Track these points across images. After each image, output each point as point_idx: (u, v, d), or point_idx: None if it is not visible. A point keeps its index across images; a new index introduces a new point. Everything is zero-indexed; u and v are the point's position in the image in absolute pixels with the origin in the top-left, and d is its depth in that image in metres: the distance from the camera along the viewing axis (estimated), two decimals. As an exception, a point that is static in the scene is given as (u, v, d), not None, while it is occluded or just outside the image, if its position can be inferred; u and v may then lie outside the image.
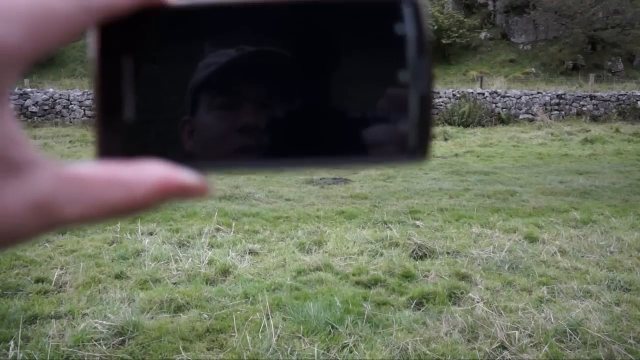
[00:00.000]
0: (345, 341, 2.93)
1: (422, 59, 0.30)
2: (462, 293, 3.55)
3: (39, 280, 3.69)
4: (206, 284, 3.70)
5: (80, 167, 0.26)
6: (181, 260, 4.07)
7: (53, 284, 3.62)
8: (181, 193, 0.27)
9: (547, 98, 16.14)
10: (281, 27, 0.30)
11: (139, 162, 0.27)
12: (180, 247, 4.42)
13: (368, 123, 0.31)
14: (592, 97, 16.12)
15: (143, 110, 0.30)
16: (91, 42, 0.29)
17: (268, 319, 3.10)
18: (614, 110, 15.77)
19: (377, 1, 0.31)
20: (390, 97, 0.31)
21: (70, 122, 14.72)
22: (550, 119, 15.61)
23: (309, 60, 0.31)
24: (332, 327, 3.07)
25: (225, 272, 3.91)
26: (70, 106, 15.08)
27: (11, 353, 2.68)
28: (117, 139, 0.30)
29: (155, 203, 0.27)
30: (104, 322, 3.01)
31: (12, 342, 2.76)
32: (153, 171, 0.27)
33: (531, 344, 2.91)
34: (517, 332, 2.99)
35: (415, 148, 0.31)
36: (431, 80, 0.31)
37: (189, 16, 0.30)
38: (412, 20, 0.30)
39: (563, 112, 16.05)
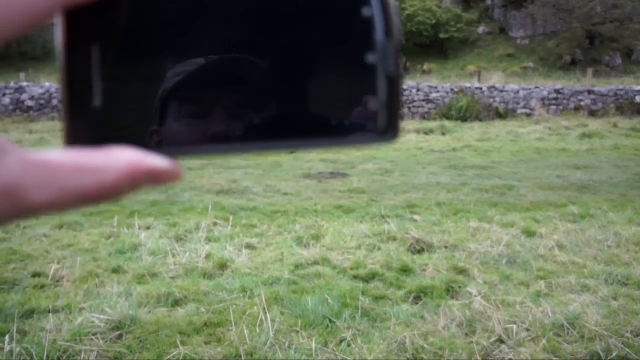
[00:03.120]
0: (343, 335, 2.93)
1: (389, 40, 0.31)
2: (459, 287, 3.55)
3: (35, 275, 3.68)
4: (203, 278, 3.69)
5: (48, 153, 0.25)
6: (178, 254, 4.06)
7: (50, 278, 3.61)
8: (152, 178, 0.27)
9: (545, 92, 16.14)
10: (246, 14, 0.30)
11: (107, 148, 0.27)
12: (177, 241, 4.41)
13: (338, 105, 0.31)
14: (590, 92, 16.13)
15: (111, 97, 0.30)
16: (57, 27, 0.28)
17: (265, 312, 3.10)
18: (611, 105, 15.78)
19: None
20: (359, 79, 0.31)
21: (67, 116, 14.65)
22: (548, 113, 15.61)
23: (276, 46, 0.31)
24: (330, 321, 3.06)
25: (222, 266, 3.90)
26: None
27: (7, 347, 2.67)
28: (86, 127, 0.30)
29: (126, 189, 0.26)
30: (101, 316, 3.00)
31: (7, 337, 2.75)
32: (122, 156, 0.26)
33: (529, 338, 2.92)
34: (514, 326, 2.99)
35: (385, 128, 0.31)
36: (399, 61, 0.31)
37: (158, 2, 0.30)
38: (378, 2, 0.31)
39: (561, 107, 16.06)
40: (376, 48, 0.31)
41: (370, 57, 0.31)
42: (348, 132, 0.31)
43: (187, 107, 0.31)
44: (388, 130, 0.31)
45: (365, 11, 0.31)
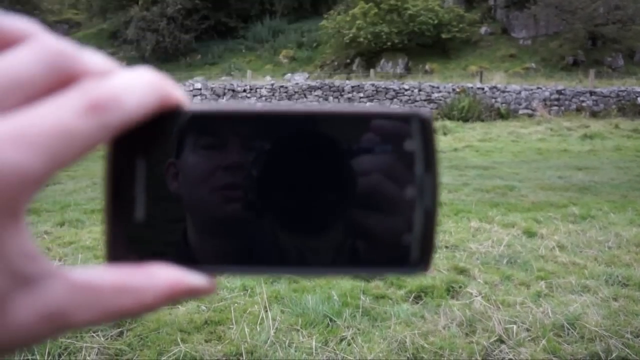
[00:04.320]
0: (344, 334, 2.93)
1: (429, 174, 0.31)
2: (460, 287, 3.56)
3: (37, 272, 3.68)
4: (204, 276, 3.70)
5: (92, 274, 0.26)
6: (180, 253, 4.06)
7: (51, 275, 3.62)
8: (189, 295, 0.29)
9: (547, 93, 16.13)
10: (292, 138, 0.31)
11: (148, 267, 0.28)
12: (178, 239, 4.41)
13: (372, 235, 0.31)
14: (592, 93, 16.11)
15: (153, 211, 0.30)
16: (104, 146, 0.29)
17: (266, 311, 3.11)
18: (613, 106, 15.77)
19: (388, 115, 0.31)
20: (396, 211, 0.31)
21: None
22: (550, 114, 15.60)
23: (317, 172, 0.31)
24: (330, 320, 3.07)
25: (223, 264, 3.90)
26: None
27: (9, 343, 2.68)
28: (127, 240, 0.30)
29: (164, 305, 0.28)
30: (102, 313, 3.01)
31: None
32: (162, 276, 0.28)
33: (529, 338, 2.92)
34: (515, 326, 2.99)
35: (417, 260, 0.31)
36: (436, 195, 0.31)
37: (204, 121, 0.30)
38: (421, 136, 0.31)
39: (563, 108, 16.05)
40: (416, 181, 0.31)
41: (410, 191, 0.31)
42: (381, 262, 0.31)
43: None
44: (420, 263, 0.31)
45: (408, 144, 0.31)
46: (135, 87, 0.26)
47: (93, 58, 0.27)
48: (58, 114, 0.24)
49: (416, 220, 0.31)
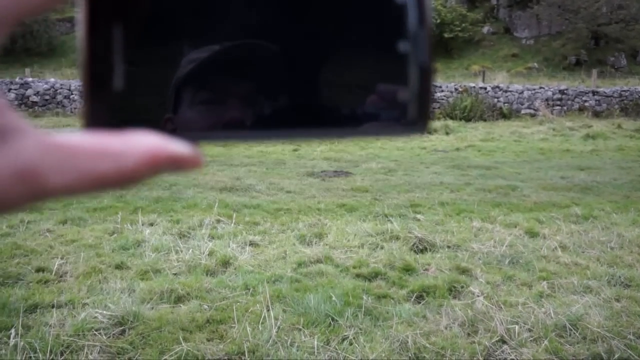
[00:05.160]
0: (345, 333, 2.93)
1: (422, 29, 0.30)
2: (462, 287, 3.55)
3: (39, 270, 3.69)
4: (206, 275, 3.70)
5: (68, 136, 0.25)
6: (182, 251, 4.07)
7: (54, 273, 3.63)
8: (172, 164, 0.26)
9: (550, 93, 16.10)
10: None
11: (128, 133, 0.26)
12: (180, 238, 4.42)
13: (367, 94, 0.30)
14: (594, 93, 16.08)
15: (132, 80, 0.29)
16: (80, 10, 0.27)
17: (268, 310, 3.11)
18: (616, 106, 15.74)
19: None
20: (390, 68, 0.30)
21: (72, 112, 14.71)
22: (552, 114, 15.58)
23: (302, 29, 0.30)
24: (332, 319, 3.07)
25: (225, 263, 3.91)
26: (71, 96, 15.07)
27: (12, 341, 2.69)
28: (106, 110, 0.29)
29: (145, 174, 0.26)
30: (104, 311, 3.01)
31: (13, 331, 2.76)
32: (143, 141, 0.26)
33: (531, 339, 2.91)
34: (517, 327, 2.99)
35: (415, 119, 0.30)
36: (431, 50, 0.30)
37: None
38: None
39: (565, 108, 16.02)
40: (409, 36, 0.29)
41: (403, 46, 0.30)
42: (377, 122, 0.30)
43: (200, 94, 0.30)
44: (418, 122, 0.30)
45: None
46: None
47: None
48: None
49: (411, 76, 0.30)
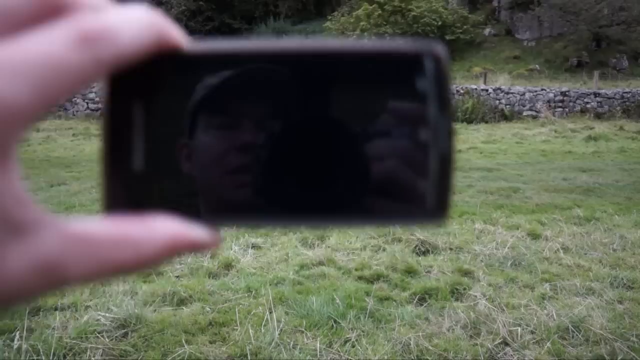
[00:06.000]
0: (348, 336, 2.93)
1: (444, 116, 0.29)
2: (464, 289, 3.55)
3: (42, 272, 3.69)
4: (209, 277, 3.71)
5: (87, 225, 0.25)
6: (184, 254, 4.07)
7: (56, 276, 3.63)
8: (191, 249, 0.27)
9: (551, 95, 16.09)
10: (296, 78, 0.29)
11: (148, 218, 0.26)
12: (183, 240, 4.42)
13: (385, 181, 0.29)
14: (596, 95, 16.07)
15: (152, 159, 0.29)
16: (101, 89, 0.27)
17: (271, 312, 3.11)
18: (618, 108, 15.72)
19: (398, 53, 0.29)
20: (409, 156, 0.29)
21: (74, 114, 14.73)
22: (554, 116, 15.57)
23: (324, 113, 0.29)
24: (335, 321, 3.07)
25: (228, 265, 3.91)
26: (73, 99, 15.09)
27: (16, 344, 2.69)
28: (125, 190, 0.28)
29: (165, 260, 0.26)
30: (107, 314, 3.02)
31: (16, 334, 2.77)
32: (163, 228, 0.26)
33: (533, 341, 2.91)
34: (519, 329, 2.99)
35: (434, 208, 0.29)
36: (452, 138, 0.29)
37: (205, 61, 0.29)
38: (435, 75, 0.29)
39: (567, 109, 16.01)
40: (430, 123, 0.29)
41: (424, 133, 0.29)
42: (395, 211, 0.29)
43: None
44: (437, 211, 0.29)
45: (420, 83, 0.29)
46: (130, 21, 0.25)
47: None
48: (47, 44, 0.22)
49: (431, 165, 0.29)
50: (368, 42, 0.29)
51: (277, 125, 0.29)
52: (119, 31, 0.24)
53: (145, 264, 0.25)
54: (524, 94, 16.13)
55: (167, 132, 0.29)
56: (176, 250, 0.26)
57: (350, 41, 0.30)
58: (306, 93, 0.29)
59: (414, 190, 0.29)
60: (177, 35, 0.27)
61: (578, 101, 16.06)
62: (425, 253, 4.26)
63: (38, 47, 0.22)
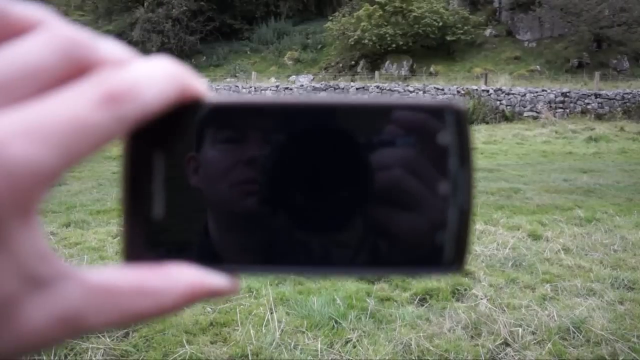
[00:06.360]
0: (349, 336, 2.93)
1: (464, 170, 0.29)
2: (465, 290, 3.55)
3: (43, 272, 3.70)
4: (210, 277, 3.70)
5: (108, 275, 0.25)
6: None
7: (57, 276, 3.63)
8: (210, 296, 0.27)
9: (552, 96, 16.10)
10: (316, 130, 0.29)
11: (167, 267, 0.27)
12: (184, 240, 4.42)
13: (400, 233, 0.29)
14: (597, 96, 16.07)
15: (172, 208, 0.29)
16: (121, 140, 0.28)
17: (272, 313, 3.11)
18: (619, 109, 15.72)
19: (419, 107, 0.29)
20: (429, 208, 0.29)
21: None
22: (555, 116, 15.57)
23: (344, 165, 0.29)
24: (336, 322, 3.07)
25: (228, 266, 3.91)
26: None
27: (16, 344, 2.69)
28: (145, 238, 0.29)
29: (183, 307, 0.27)
30: (108, 314, 3.02)
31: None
32: (182, 277, 0.26)
33: (534, 341, 2.91)
34: (520, 329, 2.99)
35: (451, 260, 0.30)
36: (472, 192, 0.30)
37: (226, 113, 0.29)
38: (455, 129, 0.29)
39: (568, 110, 16.01)
40: (449, 177, 0.29)
41: (443, 187, 0.29)
42: (412, 262, 0.30)
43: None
44: (454, 263, 0.30)
45: (441, 136, 0.29)
46: (154, 77, 0.25)
47: (109, 46, 0.25)
48: (72, 105, 0.23)
49: (450, 218, 0.29)
50: (390, 98, 0.30)
51: (301, 182, 0.30)
52: (143, 88, 0.24)
53: (164, 312, 0.26)
54: (524, 94, 16.14)
55: (187, 180, 0.29)
56: (195, 298, 0.27)
57: (371, 96, 0.30)
58: (331, 153, 0.29)
59: (432, 242, 0.29)
60: (199, 86, 0.27)
61: (579, 102, 16.06)
62: (426, 254, 4.26)
63: (63, 108, 0.23)
